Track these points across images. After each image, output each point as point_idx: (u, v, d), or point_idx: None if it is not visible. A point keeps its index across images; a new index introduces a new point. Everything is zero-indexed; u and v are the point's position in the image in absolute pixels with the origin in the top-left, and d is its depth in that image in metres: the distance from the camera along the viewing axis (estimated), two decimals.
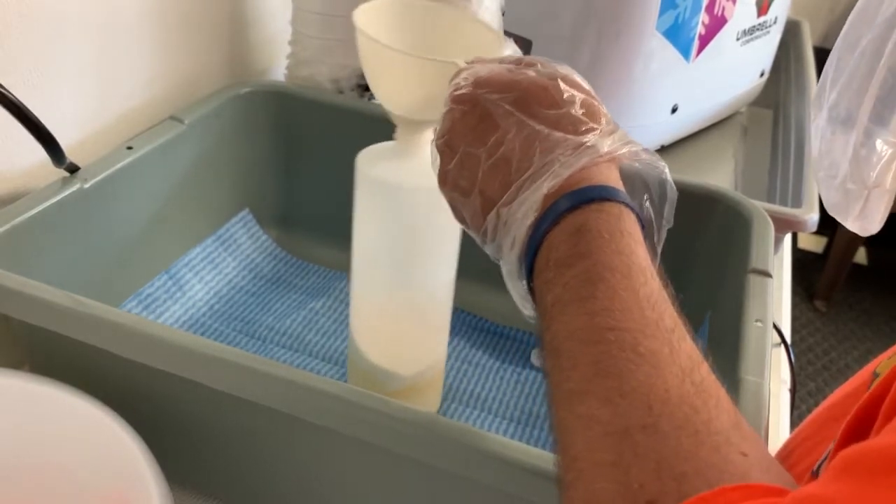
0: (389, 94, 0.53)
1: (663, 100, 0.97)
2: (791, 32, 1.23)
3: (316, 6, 0.81)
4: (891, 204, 0.48)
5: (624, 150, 0.42)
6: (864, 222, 0.49)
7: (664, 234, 0.44)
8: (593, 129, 0.41)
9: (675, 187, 0.44)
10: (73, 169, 0.63)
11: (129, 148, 0.67)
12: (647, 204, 0.43)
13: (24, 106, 0.56)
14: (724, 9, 0.96)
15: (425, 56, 0.49)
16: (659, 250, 0.43)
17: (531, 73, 0.43)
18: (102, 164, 0.65)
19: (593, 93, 0.44)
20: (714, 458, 0.30)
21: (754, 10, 1.01)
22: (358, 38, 0.51)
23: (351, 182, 0.63)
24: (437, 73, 0.47)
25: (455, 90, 0.45)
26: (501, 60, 0.46)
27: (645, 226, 0.41)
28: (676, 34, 0.92)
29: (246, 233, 0.81)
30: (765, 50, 1.10)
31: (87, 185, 0.62)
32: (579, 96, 0.42)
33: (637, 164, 0.43)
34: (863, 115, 0.46)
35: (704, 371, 0.34)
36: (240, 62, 0.88)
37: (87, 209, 0.63)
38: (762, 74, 1.13)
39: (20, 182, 0.64)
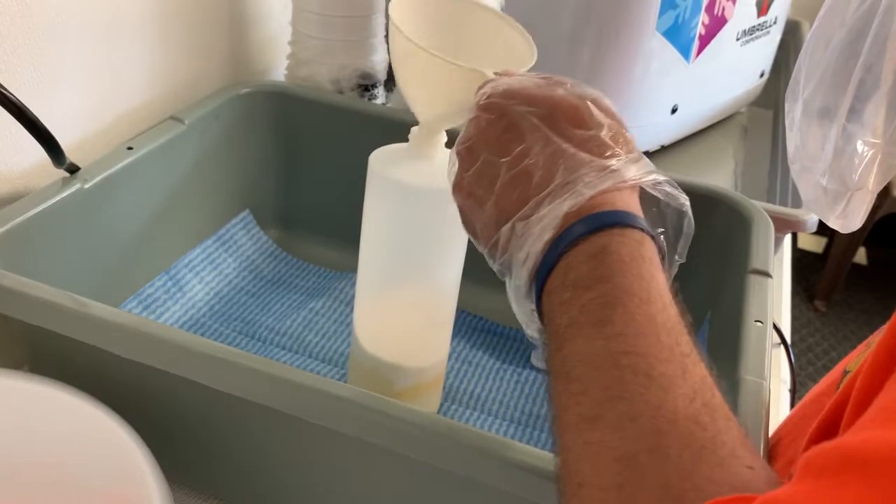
0: (414, 92, 0.53)
1: (663, 100, 0.97)
2: (791, 32, 1.23)
3: (316, 7, 0.81)
4: (872, 202, 0.49)
5: (648, 179, 0.41)
6: (846, 221, 0.49)
7: (675, 270, 0.43)
8: (618, 155, 0.41)
9: (693, 223, 0.43)
10: (73, 169, 0.63)
11: (130, 148, 0.67)
12: (662, 238, 0.42)
13: (24, 106, 0.56)
14: (724, 9, 0.96)
15: (455, 61, 0.48)
16: (669, 284, 0.42)
17: (561, 91, 0.43)
18: (102, 164, 0.65)
19: (620, 118, 0.44)
20: (715, 473, 0.30)
21: (754, 10, 1.01)
22: (391, 31, 0.51)
23: (351, 182, 0.63)
24: (465, 79, 0.47)
25: (483, 98, 0.44)
26: (532, 76, 0.46)
27: (663, 256, 0.40)
28: (676, 34, 0.92)
29: (246, 233, 0.81)
30: (765, 50, 1.10)
31: (87, 185, 0.62)
32: (608, 121, 0.42)
33: (658, 195, 0.42)
34: (840, 115, 0.46)
35: (716, 393, 0.34)
36: (240, 62, 0.88)
37: (87, 209, 0.63)
38: (762, 75, 1.13)
39: (20, 182, 0.64)
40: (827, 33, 0.47)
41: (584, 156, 0.40)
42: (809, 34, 0.49)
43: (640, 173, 0.41)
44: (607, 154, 0.41)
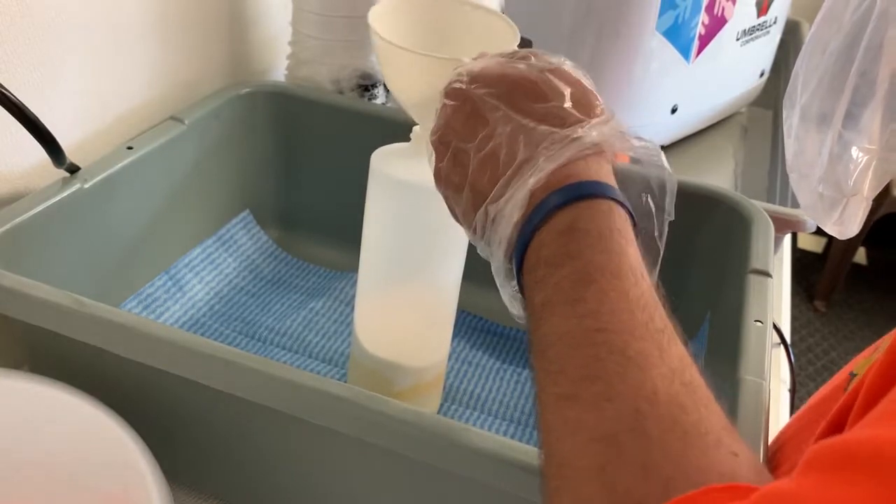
0: (401, 89, 0.53)
1: (663, 100, 0.98)
2: (791, 32, 1.23)
3: (316, 7, 0.81)
4: (869, 208, 0.49)
5: (614, 140, 0.40)
6: (843, 227, 0.49)
7: (666, 228, 0.43)
8: (582, 122, 0.40)
9: (673, 175, 0.42)
10: (73, 169, 0.63)
11: (129, 148, 0.67)
12: (648, 198, 0.42)
13: (24, 106, 0.56)
14: (724, 9, 0.96)
15: (430, 53, 0.49)
16: (662, 245, 0.41)
17: (522, 66, 0.43)
18: (102, 164, 0.65)
19: (587, 83, 0.43)
20: (702, 460, 0.29)
21: (754, 10, 1.01)
22: (371, 35, 0.51)
23: (351, 182, 0.63)
24: (443, 69, 0.47)
25: (448, 85, 0.44)
26: (501, 54, 0.45)
27: (637, 223, 0.40)
28: (676, 34, 0.92)
29: (246, 233, 0.81)
30: (765, 50, 1.10)
31: (87, 185, 0.62)
32: (568, 89, 0.41)
33: (630, 154, 0.42)
34: (836, 121, 0.46)
35: (695, 373, 0.33)
36: (240, 62, 0.88)
37: (87, 209, 0.63)
38: (762, 74, 1.13)
39: (20, 182, 0.64)
40: (824, 38, 0.47)
41: (544, 128, 0.40)
42: (807, 39, 0.49)
43: (604, 136, 0.40)
44: (569, 123, 0.40)
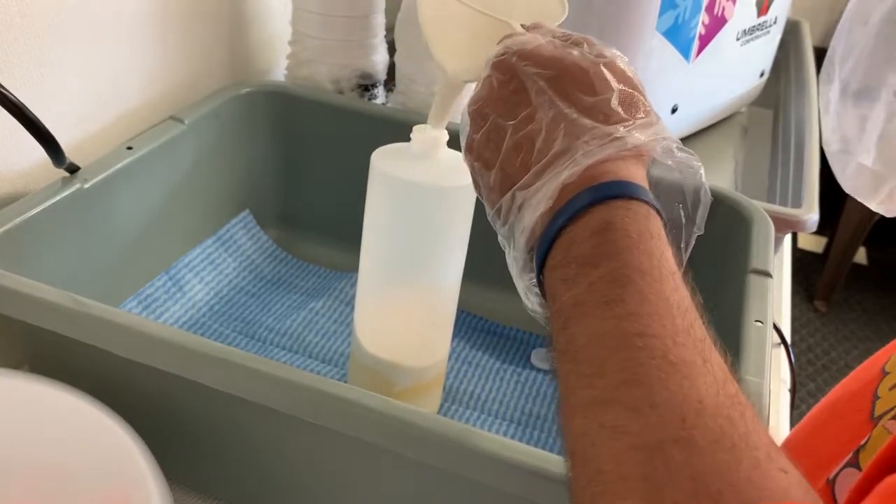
0: (441, 44, 0.51)
1: (663, 100, 0.97)
2: (791, 32, 1.23)
3: (316, 6, 0.81)
4: None
5: (655, 146, 0.39)
6: (891, 205, 0.48)
7: (693, 241, 0.41)
8: (626, 121, 0.39)
9: (709, 191, 0.41)
10: (73, 169, 0.63)
11: (129, 148, 0.67)
12: (680, 209, 0.40)
13: (24, 106, 0.56)
14: (724, 9, 0.96)
15: (483, 10, 0.47)
16: (686, 256, 0.40)
17: (576, 52, 0.41)
18: (102, 164, 0.65)
19: (638, 83, 0.42)
20: (753, 475, 0.28)
21: (754, 10, 1.01)
22: None
23: (351, 182, 0.63)
24: (492, 29, 0.46)
25: (497, 56, 0.43)
26: (554, 34, 0.44)
27: (668, 231, 0.38)
28: (676, 34, 0.92)
29: (246, 233, 0.81)
30: (765, 50, 1.10)
31: (87, 185, 0.62)
32: (618, 85, 0.40)
33: (669, 163, 0.40)
34: (885, 94, 0.45)
35: (736, 385, 0.32)
36: (240, 62, 0.88)
37: (87, 209, 0.63)
38: (762, 74, 1.13)
39: (20, 183, 0.64)
40: (865, 11, 0.46)
41: (587, 122, 0.38)
42: (846, 12, 0.47)
43: (647, 139, 0.38)
44: (613, 120, 0.39)
